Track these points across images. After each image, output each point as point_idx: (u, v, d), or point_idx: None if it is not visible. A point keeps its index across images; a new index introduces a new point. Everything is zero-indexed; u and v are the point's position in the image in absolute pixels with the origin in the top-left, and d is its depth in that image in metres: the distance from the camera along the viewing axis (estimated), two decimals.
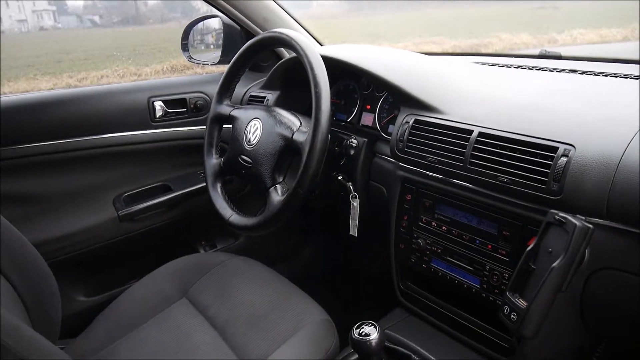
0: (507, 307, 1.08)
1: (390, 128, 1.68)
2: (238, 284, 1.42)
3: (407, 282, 1.52)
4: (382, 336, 1.16)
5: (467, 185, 1.28)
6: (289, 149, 1.42)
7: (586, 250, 1.03)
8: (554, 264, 1.00)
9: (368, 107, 1.72)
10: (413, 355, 1.30)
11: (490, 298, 1.25)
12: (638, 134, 1.05)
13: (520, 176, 1.15)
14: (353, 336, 1.16)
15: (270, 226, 1.39)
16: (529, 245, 1.13)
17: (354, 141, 1.53)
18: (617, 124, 1.10)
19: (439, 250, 1.36)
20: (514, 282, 1.08)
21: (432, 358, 1.30)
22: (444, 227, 1.35)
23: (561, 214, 1.02)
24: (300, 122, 1.44)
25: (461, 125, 1.29)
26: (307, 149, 1.30)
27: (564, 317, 1.16)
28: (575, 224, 0.99)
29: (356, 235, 1.59)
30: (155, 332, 1.33)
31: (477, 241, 1.27)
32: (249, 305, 1.34)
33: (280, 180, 1.44)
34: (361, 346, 1.15)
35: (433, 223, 1.38)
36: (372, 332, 1.15)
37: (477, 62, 1.87)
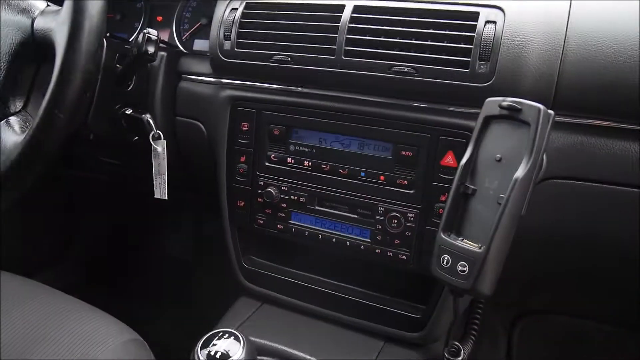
0: (445, 257, 0.68)
1: (197, 44, 1.16)
2: None
3: (250, 257, 1.03)
4: (252, 353, 0.65)
5: (339, 94, 0.85)
6: (29, 46, 0.78)
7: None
8: (518, 174, 0.63)
9: (159, 18, 1.24)
10: None
11: (389, 253, 0.86)
12: None
13: (426, 61, 0.76)
14: None
15: (7, 189, 0.74)
16: (445, 165, 0.77)
17: (153, 34, 0.93)
18: None
19: (302, 199, 0.91)
20: (449, 215, 0.69)
21: None
22: (306, 163, 0.89)
23: (511, 99, 0.66)
24: (48, 3, 0.81)
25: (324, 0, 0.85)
26: (64, 35, 0.69)
27: None
28: (539, 108, 0.64)
29: (166, 198, 1.01)
30: None
31: (362, 173, 0.85)
32: (6, 340, 0.81)
33: (19, 106, 0.79)
34: None
35: (288, 159, 0.91)
36: (233, 348, 0.63)
37: None
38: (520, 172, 0.64)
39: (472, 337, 1.05)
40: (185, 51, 1.14)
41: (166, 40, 1.19)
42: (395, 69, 0.78)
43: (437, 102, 0.79)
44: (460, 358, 0.84)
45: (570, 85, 0.72)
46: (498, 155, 0.67)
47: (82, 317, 0.89)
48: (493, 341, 1.46)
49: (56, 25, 0.73)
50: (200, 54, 1.10)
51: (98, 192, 1.63)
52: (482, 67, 0.73)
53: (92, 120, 0.95)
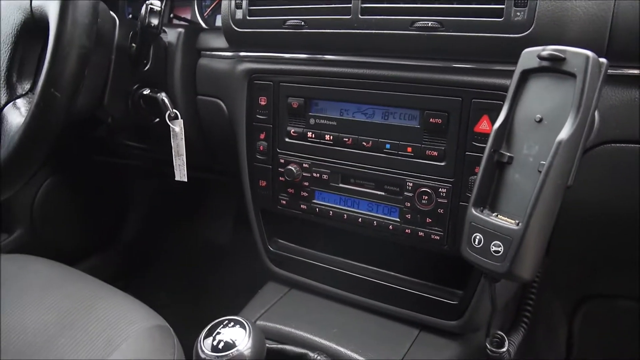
0: (477, 235, 0.59)
1: (219, 20, 1.11)
2: (11, 298, 0.88)
3: (277, 240, 0.97)
4: (260, 340, 0.59)
5: (358, 58, 0.77)
6: (31, 25, 0.76)
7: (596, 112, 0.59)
8: (562, 135, 0.53)
9: None
10: (310, 354, 0.76)
11: (420, 234, 0.77)
12: None
13: (452, 12, 0.67)
14: (201, 351, 0.57)
15: (8, 175, 0.72)
16: (479, 132, 0.67)
17: (155, 5, 0.87)
18: None
19: (325, 176, 0.84)
20: (481, 187, 0.60)
21: (340, 349, 0.78)
22: (328, 137, 0.82)
23: (552, 47, 0.55)
24: None
25: None
26: (55, 8, 0.65)
27: None
28: (587, 55, 0.53)
29: (186, 180, 0.97)
30: None
31: (388, 145, 0.77)
32: (36, 325, 0.83)
33: (27, 88, 0.77)
34: None
35: (309, 134, 0.84)
36: (239, 337, 0.58)
37: None
38: (564, 134, 0.53)
39: (524, 325, 0.95)
40: (204, 26, 1.09)
41: (188, 17, 1.15)
42: (418, 24, 0.68)
43: (467, 59, 0.69)
44: (504, 349, 0.75)
45: (627, 29, 0.60)
46: (538, 116, 0.57)
47: (111, 303, 0.88)
48: (551, 329, 1.33)
49: (49, 3, 0.70)
50: (219, 29, 1.05)
51: (135, 178, 1.63)
52: (518, 14, 0.63)
53: (108, 101, 0.92)
